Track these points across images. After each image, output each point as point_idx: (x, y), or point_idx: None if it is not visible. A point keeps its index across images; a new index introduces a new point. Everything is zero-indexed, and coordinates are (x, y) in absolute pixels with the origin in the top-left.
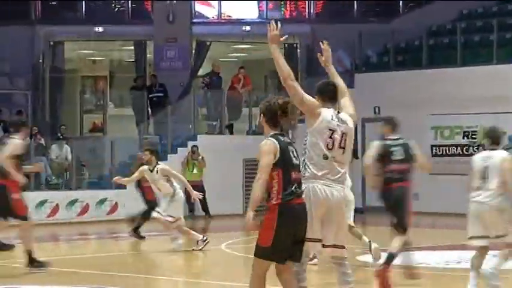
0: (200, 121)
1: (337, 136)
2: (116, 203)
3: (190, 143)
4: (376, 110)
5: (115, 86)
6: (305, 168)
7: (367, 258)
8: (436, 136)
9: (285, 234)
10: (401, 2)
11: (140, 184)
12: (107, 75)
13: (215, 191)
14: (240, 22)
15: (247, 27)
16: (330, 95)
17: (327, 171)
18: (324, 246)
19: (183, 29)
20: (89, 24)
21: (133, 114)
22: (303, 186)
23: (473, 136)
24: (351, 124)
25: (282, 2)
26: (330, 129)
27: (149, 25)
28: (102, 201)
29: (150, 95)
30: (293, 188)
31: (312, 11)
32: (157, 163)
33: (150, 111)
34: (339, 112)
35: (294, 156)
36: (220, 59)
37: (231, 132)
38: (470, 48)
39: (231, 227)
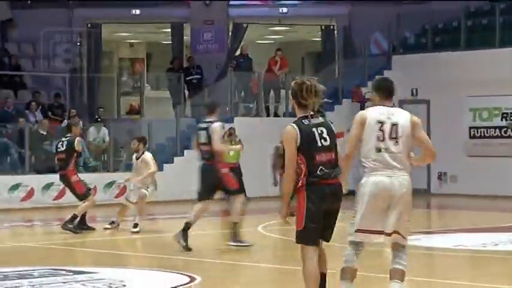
0: (237, 103)
1: (386, 128)
2: None
3: (227, 125)
4: (414, 92)
5: (152, 68)
6: (361, 164)
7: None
8: (474, 118)
9: (314, 217)
10: None
11: None
12: (144, 58)
13: (252, 173)
14: (277, 4)
15: (284, 9)
16: (386, 91)
17: (382, 163)
18: (385, 234)
19: (219, 11)
20: (126, 6)
21: (170, 96)
22: (364, 179)
23: None
24: (403, 115)
25: None
26: (379, 122)
27: (186, 7)
28: None
29: (187, 78)
30: (318, 171)
31: None
32: (143, 152)
33: (186, 93)
34: (392, 107)
35: (323, 138)
36: (257, 41)
37: (268, 115)
38: (508, 29)
39: (268, 209)
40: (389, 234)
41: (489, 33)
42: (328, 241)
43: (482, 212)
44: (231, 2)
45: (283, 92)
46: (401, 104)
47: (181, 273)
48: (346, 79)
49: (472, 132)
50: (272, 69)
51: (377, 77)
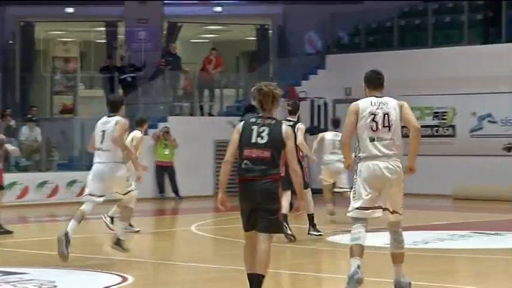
0: (171, 102)
1: (379, 118)
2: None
3: (161, 124)
4: (347, 91)
5: (86, 67)
6: (358, 151)
7: (337, 238)
8: None
9: (242, 207)
10: None
11: None
12: (77, 56)
13: (185, 172)
14: (212, 3)
15: (219, 8)
16: (375, 83)
17: (375, 151)
18: (383, 209)
19: (154, 10)
20: (59, 4)
21: (104, 95)
22: (359, 165)
23: (444, 117)
24: (391, 105)
25: None
26: (372, 113)
27: (120, 6)
28: (72, 183)
29: (121, 77)
30: (243, 165)
31: None
32: None
33: (120, 92)
34: (381, 97)
35: (259, 136)
36: (192, 40)
37: (202, 114)
38: (441, 29)
39: (201, 208)
40: (386, 210)
41: (422, 33)
42: (262, 232)
43: (414, 211)
44: (166, 1)
45: (217, 91)
46: (335, 103)
47: (113, 273)
48: (280, 78)
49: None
50: (207, 68)
51: (368, 70)
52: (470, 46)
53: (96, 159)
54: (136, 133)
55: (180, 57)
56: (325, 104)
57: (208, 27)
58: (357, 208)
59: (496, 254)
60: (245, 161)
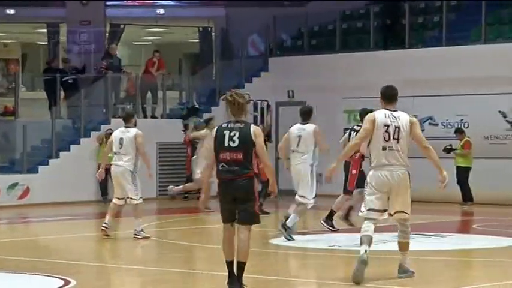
0: (114, 104)
1: (391, 130)
2: (28, 188)
3: (103, 127)
4: (290, 94)
5: (27, 69)
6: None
7: (279, 241)
8: (349, 120)
9: (222, 204)
10: None
11: None
12: (18, 58)
13: None
14: (154, 5)
15: (162, 10)
16: (389, 98)
17: (385, 160)
18: (389, 214)
19: (96, 12)
20: (0, 6)
21: (46, 97)
22: (371, 172)
23: None
24: (404, 119)
25: None
26: (385, 125)
27: (62, 7)
28: (13, 186)
29: (63, 79)
30: (220, 167)
31: None
32: None
33: (63, 94)
34: (395, 110)
35: (231, 140)
36: (135, 42)
37: (145, 116)
38: (382, 32)
39: (144, 211)
40: (391, 214)
41: (364, 35)
42: (243, 224)
43: (357, 213)
44: (108, 3)
45: (160, 93)
46: (278, 106)
47: (56, 277)
48: (223, 80)
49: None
50: (150, 70)
51: (385, 85)
52: (411, 49)
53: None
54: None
55: (120, 59)
56: (268, 106)
57: (151, 29)
58: (368, 210)
59: (437, 256)
60: (222, 164)
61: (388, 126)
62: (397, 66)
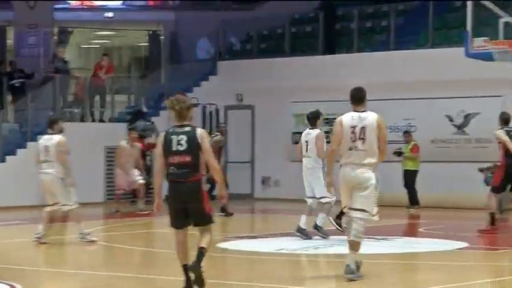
0: (62, 108)
1: (357, 131)
2: None
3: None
4: (239, 97)
5: None
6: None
7: (227, 245)
8: (297, 123)
9: (172, 207)
10: None
11: None
12: None
13: (76, 178)
14: (103, 8)
15: (110, 14)
16: (356, 99)
17: (351, 159)
18: (349, 208)
19: (44, 15)
20: None
21: None
22: (340, 170)
23: (332, 124)
24: (370, 120)
25: None
26: (352, 126)
27: (9, 10)
28: None
29: (10, 82)
30: (170, 170)
31: None
32: None
33: (10, 98)
34: (363, 111)
35: (179, 144)
36: (83, 46)
37: (93, 120)
38: (331, 36)
39: (91, 215)
40: (354, 210)
41: (313, 40)
42: (199, 225)
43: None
44: (56, 6)
45: (109, 97)
46: (227, 109)
47: (1, 282)
48: (172, 84)
49: (295, 138)
50: (98, 73)
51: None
52: (360, 53)
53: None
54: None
55: (68, 61)
56: (217, 110)
57: (99, 32)
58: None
59: (386, 259)
60: (171, 167)
61: (354, 127)
62: (345, 70)
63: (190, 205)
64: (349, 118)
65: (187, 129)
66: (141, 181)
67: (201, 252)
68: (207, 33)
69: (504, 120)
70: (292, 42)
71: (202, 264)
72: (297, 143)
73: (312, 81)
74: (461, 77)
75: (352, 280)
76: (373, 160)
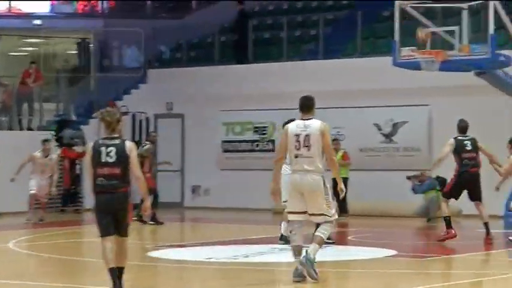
0: None
1: (301, 139)
2: None
3: None
4: (169, 106)
5: None
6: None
7: (157, 254)
8: (227, 132)
9: (99, 217)
10: None
11: None
12: None
13: (3, 187)
14: (31, 16)
15: (38, 21)
16: (302, 108)
17: (298, 166)
18: (307, 213)
19: None
20: None
21: None
22: (288, 177)
23: (264, 132)
24: (314, 127)
25: None
26: (296, 135)
27: None
28: None
29: None
30: (98, 181)
31: (104, 6)
32: None
33: None
34: (309, 119)
35: (108, 156)
36: (11, 53)
37: (21, 128)
38: (260, 45)
39: (20, 224)
40: (309, 214)
41: (241, 49)
42: (122, 236)
43: (234, 225)
44: None
45: (37, 105)
46: (157, 118)
47: None
48: (101, 93)
49: (225, 146)
50: (26, 81)
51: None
52: (289, 62)
53: None
54: None
55: None
56: (147, 118)
57: (27, 40)
58: (288, 212)
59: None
60: (99, 178)
61: (298, 135)
62: (275, 78)
63: (117, 215)
64: (294, 126)
65: (116, 141)
66: (32, 191)
67: (121, 272)
68: (136, 42)
69: (461, 128)
70: (221, 50)
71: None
72: (227, 151)
73: (241, 89)
74: (389, 86)
75: (313, 273)
76: (320, 165)
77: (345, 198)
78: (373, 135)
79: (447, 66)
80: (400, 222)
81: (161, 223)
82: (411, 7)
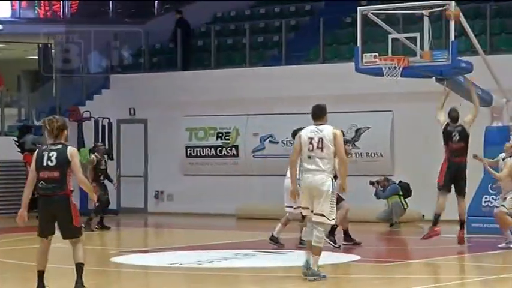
0: None
1: (314, 142)
2: None
3: None
4: (132, 111)
5: None
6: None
7: (121, 259)
8: (190, 137)
9: (40, 218)
10: (156, 3)
11: None
12: None
13: None
14: None
15: (0, 26)
16: (314, 115)
17: (310, 166)
18: (311, 211)
19: None
20: None
21: None
22: (302, 176)
23: (227, 137)
24: (327, 131)
25: (36, 1)
26: (309, 138)
27: None
28: None
29: None
30: (40, 184)
31: (66, 11)
32: None
33: None
34: (320, 125)
35: (49, 160)
36: None
37: None
38: (223, 50)
39: None
40: (314, 214)
41: (205, 54)
42: (65, 237)
43: (198, 230)
44: None
45: None
46: (120, 123)
47: None
48: (64, 98)
49: (189, 152)
50: None
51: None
52: (252, 68)
53: None
54: None
55: None
56: (110, 124)
57: None
58: (300, 207)
59: (280, 272)
60: (41, 181)
61: (312, 138)
62: (238, 84)
63: (58, 218)
64: (307, 131)
65: (59, 146)
66: None
67: (81, 268)
68: (99, 47)
69: (452, 118)
70: (185, 56)
71: (83, 279)
72: (190, 156)
73: (204, 95)
74: (352, 92)
75: (315, 281)
76: (331, 167)
77: None
78: None
79: (409, 72)
80: (363, 227)
81: (107, 228)
82: (373, 13)
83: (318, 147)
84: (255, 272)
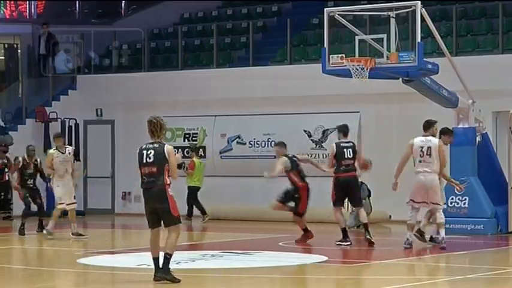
0: None
1: (424, 149)
2: None
3: None
4: (98, 112)
5: None
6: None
7: (87, 261)
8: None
9: (146, 210)
10: (123, 3)
11: None
12: None
13: None
14: None
15: None
16: (425, 128)
17: (423, 168)
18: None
19: None
20: None
21: None
22: (416, 177)
23: (194, 138)
24: (433, 142)
25: (2, 2)
26: (421, 146)
27: None
28: None
29: None
30: (142, 179)
31: (33, 12)
32: None
33: None
34: (427, 135)
35: (148, 157)
36: None
37: None
38: (190, 51)
39: None
40: (432, 203)
41: (172, 54)
42: (165, 227)
43: (165, 231)
44: None
45: None
46: (86, 124)
47: None
48: (30, 99)
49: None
50: None
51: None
52: (219, 69)
53: None
54: None
55: None
56: (76, 124)
57: None
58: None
59: (248, 273)
60: (143, 176)
61: (422, 146)
62: (206, 85)
63: (158, 208)
64: (419, 140)
65: (157, 145)
66: None
67: (166, 259)
68: (65, 47)
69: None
70: (151, 56)
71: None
72: None
73: (172, 96)
74: (319, 93)
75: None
76: (437, 169)
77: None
78: (303, 142)
79: (376, 73)
80: (330, 228)
81: (40, 231)
82: (340, 15)
83: (427, 154)
84: (221, 273)
